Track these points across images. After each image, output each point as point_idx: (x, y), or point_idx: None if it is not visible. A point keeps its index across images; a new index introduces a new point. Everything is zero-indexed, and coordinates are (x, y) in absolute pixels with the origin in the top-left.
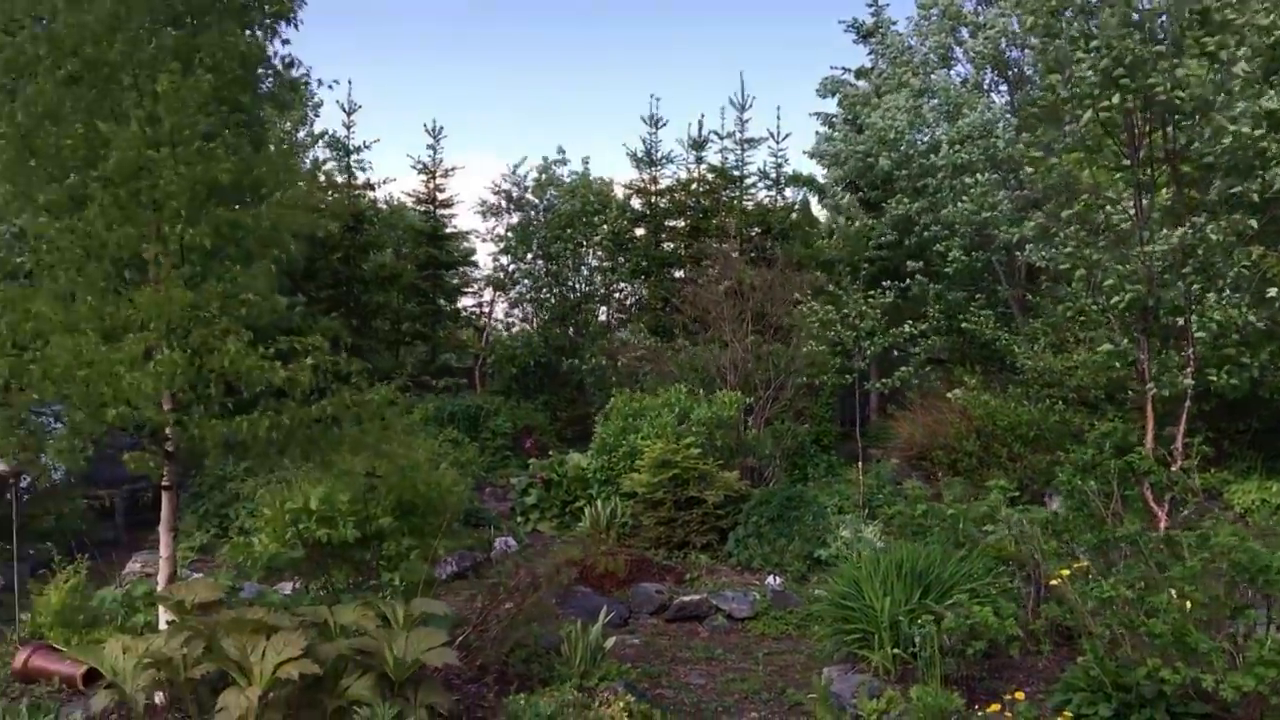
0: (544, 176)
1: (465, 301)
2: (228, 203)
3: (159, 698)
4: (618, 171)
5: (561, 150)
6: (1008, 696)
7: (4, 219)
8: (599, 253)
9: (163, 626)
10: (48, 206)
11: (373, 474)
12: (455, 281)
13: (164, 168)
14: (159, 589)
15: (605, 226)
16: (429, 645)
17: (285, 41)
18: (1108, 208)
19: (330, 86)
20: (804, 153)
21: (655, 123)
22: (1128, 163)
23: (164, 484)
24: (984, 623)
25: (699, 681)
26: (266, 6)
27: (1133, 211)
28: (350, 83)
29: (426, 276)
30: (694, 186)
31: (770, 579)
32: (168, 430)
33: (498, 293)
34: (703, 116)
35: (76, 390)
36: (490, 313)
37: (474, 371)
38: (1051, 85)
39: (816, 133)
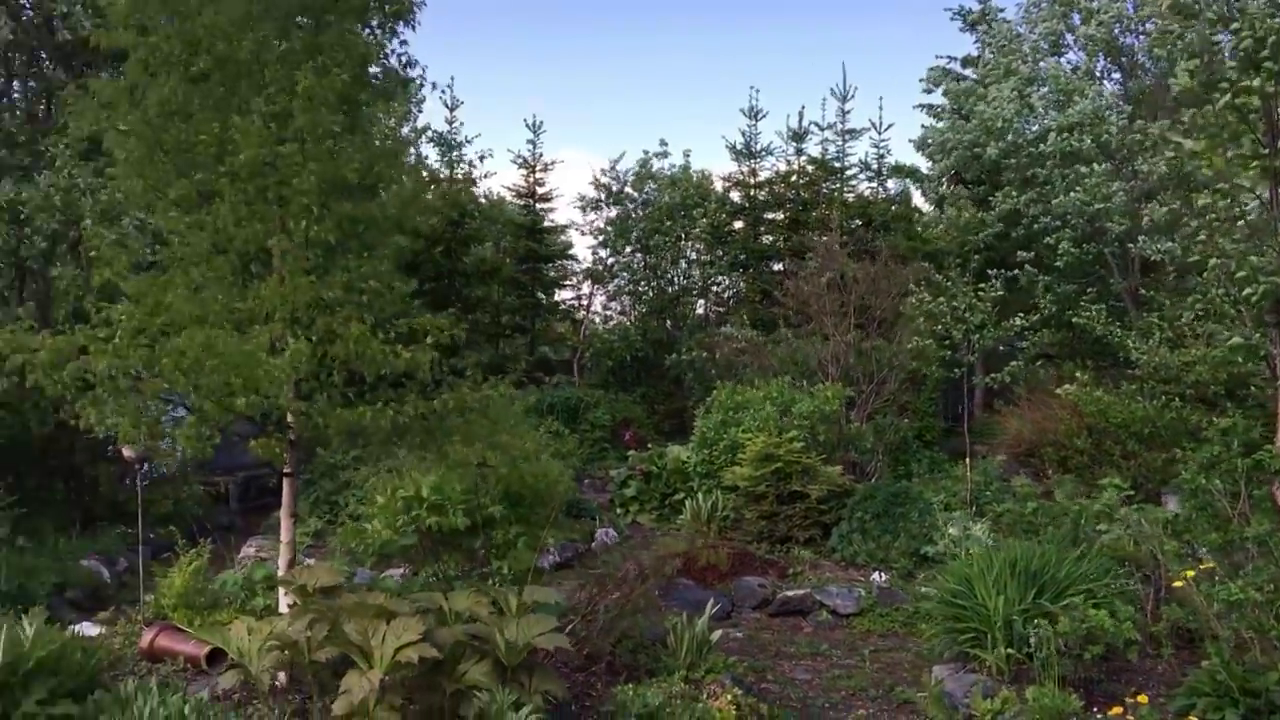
0: (643, 170)
1: (563, 295)
2: (350, 198)
3: (280, 678)
4: (716, 164)
5: (664, 143)
6: (1129, 700)
7: (128, 213)
8: (697, 246)
9: (283, 609)
10: (177, 201)
11: (485, 464)
12: (553, 275)
13: (292, 165)
14: (280, 573)
15: (704, 220)
16: (539, 631)
17: (403, 42)
18: (1241, 196)
19: (443, 90)
20: (909, 142)
21: (754, 115)
22: (1265, 151)
23: (285, 471)
24: (1101, 626)
25: (804, 677)
26: (387, 7)
27: (1268, 201)
28: (452, 79)
29: (526, 270)
30: (793, 178)
31: (875, 575)
32: (290, 419)
33: (596, 286)
34: (803, 108)
35: (206, 380)
36: (588, 306)
37: (571, 364)
38: (1190, 70)
39: (922, 126)
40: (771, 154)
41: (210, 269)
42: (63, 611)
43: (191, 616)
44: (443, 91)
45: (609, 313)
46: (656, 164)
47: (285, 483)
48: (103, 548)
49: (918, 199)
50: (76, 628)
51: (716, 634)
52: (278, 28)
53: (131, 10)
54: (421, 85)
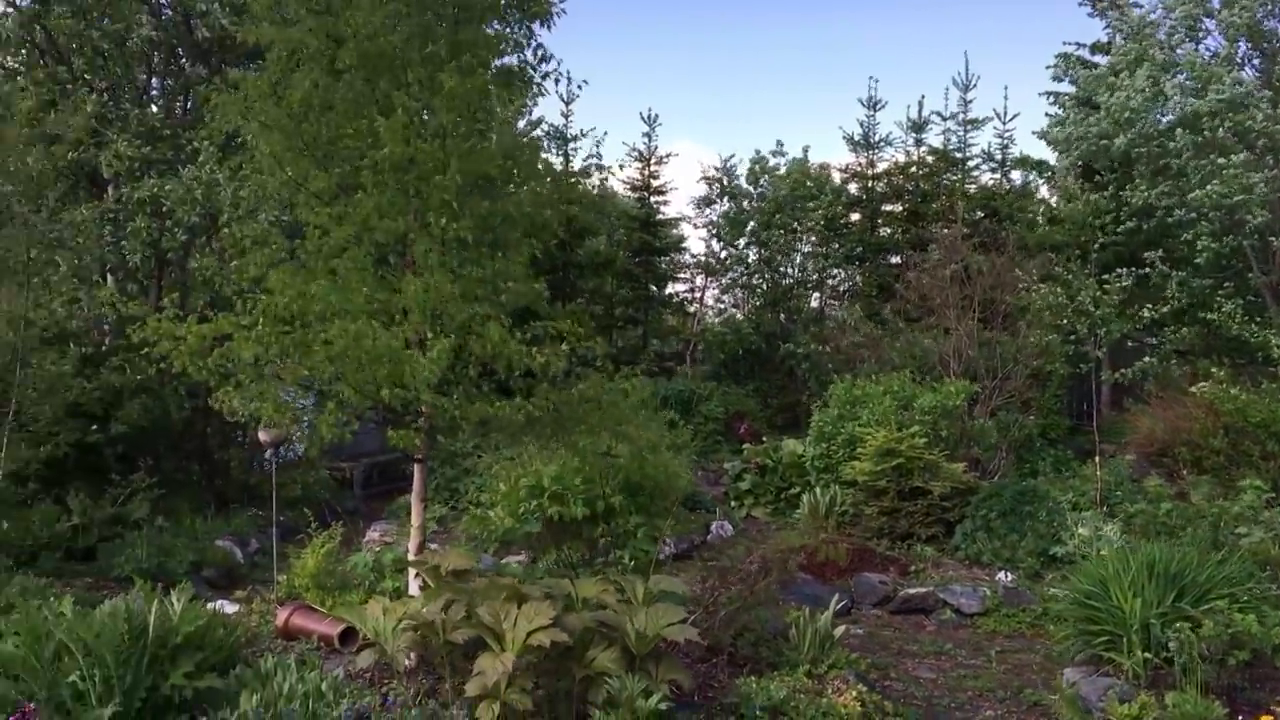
0: (757, 166)
1: (676, 287)
2: (487, 195)
3: (411, 658)
4: (831, 156)
5: (779, 143)
6: (1275, 707)
7: (265, 208)
8: (812, 238)
9: (413, 592)
10: (317, 194)
11: (610, 454)
12: (666, 268)
13: (434, 162)
14: (410, 556)
15: (819, 212)
16: (668, 621)
17: (539, 44)
18: None
19: (558, 80)
20: (1033, 134)
21: (873, 105)
22: None
23: (416, 458)
24: (1247, 631)
25: (928, 676)
26: (527, 6)
27: None
28: (569, 73)
29: (639, 262)
30: (913, 169)
31: (1001, 575)
32: (423, 408)
33: (709, 279)
34: (923, 98)
35: (353, 372)
36: (701, 298)
37: (684, 356)
38: None
39: (1047, 114)
40: (890, 145)
41: (350, 261)
42: (199, 589)
43: (323, 597)
44: (557, 81)
45: (721, 305)
46: (772, 160)
47: (416, 469)
48: (235, 529)
49: (1043, 191)
50: (215, 605)
51: (841, 630)
52: (421, 24)
53: (272, 5)
54: (558, 80)
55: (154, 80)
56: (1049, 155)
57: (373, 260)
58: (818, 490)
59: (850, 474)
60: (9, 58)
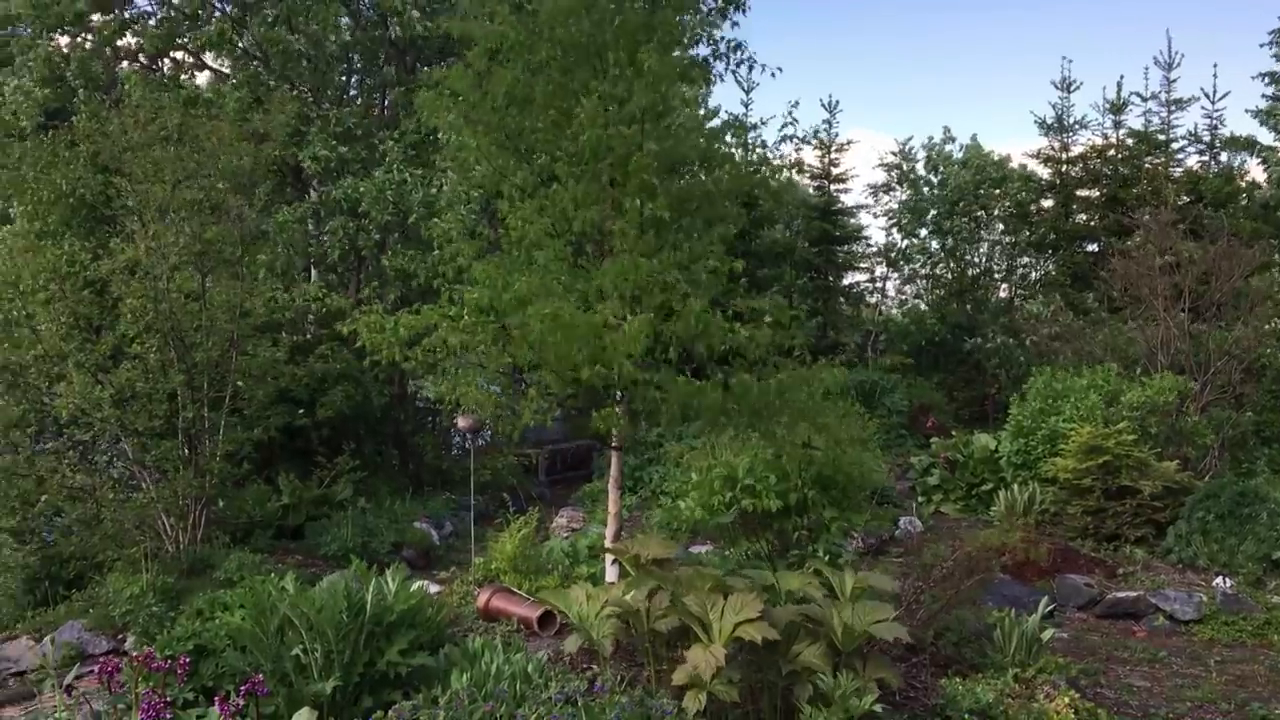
0: (934, 153)
1: (856, 277)
2: (682, 176)
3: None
4: (1016, 141)
5: (946, 129)
6: None
7: (457, 204)
8: (999, 226)
9: (609, 578)
10: (520, 185)
11: (810, 446)
12: (846, 256)
13: (631, 144)
14: (607, 542)
15: (1006, 199)
16: (876, 618)
17: (735, 25)
18: None
19: (775, 74)
20: (1246, 112)
21: (1066, 87)
22: None
23: (614, 445)
24: None
25: (1141, 684)
26: None
27: None
28: (751, 59)
29: (818, 252)
30: (1111, 153)
31: (1219, 580)
32: (620, 396)
33: (890, 269)
34: (1121, 78)
35: (552, 352)
36: (882, 289)
37: (864, 348)
38: None
39: (1263, 96)
40: (1085, 127)
41: (550, 250)
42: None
43: (519, 580)
44: (750, 69)
45: (903, 296)
46: (946, 147)
47: (614, 456)
48: (431, 511)
49: (1256, 173)
50: (419, 585)
51: (1049, 633)
52: (615, 8)
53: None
54: (752, 68)
55: (351, 80)
56: (1266, 136)
57: (570, 250)
58: (1015, 487)
59: (1051, 471)
60: (216, 60)
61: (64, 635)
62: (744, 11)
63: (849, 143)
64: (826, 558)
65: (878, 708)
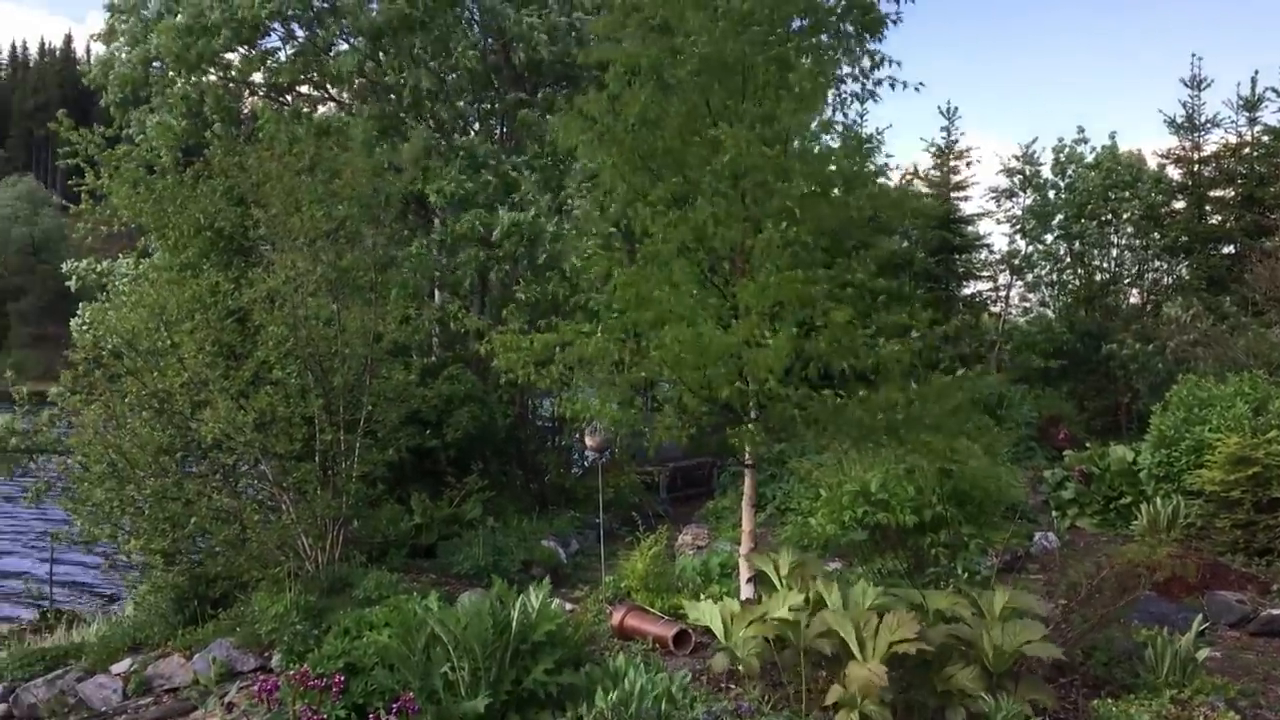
0: (1062, 155)
1: (978, 286)
2: (826, 200)
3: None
4: (1139, 142)
5: (1080, 130)
6: None
7: (600, 220)
8: (1128, 229)
9: (744, 595)
10: (655, 203)
11: (951, 459)
12: (967, 265)
13: (772, 167)
14: (741, 559)
15: (1135, 201)
16: (1028, 637)
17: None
18: None
19: (918, 88)
20: None
21: (1197, 84)
22: None
23: (747, 462)
24: None
25: None
26: (864, 16)
27: None
28: (876, 64)
29: (938, 261)
30: (1246, 151)
31: None
32: (753, 414)
33: (1013, 276)
34: (1256, 74)
35: (688, 371)
36: (1006, 297)
37: (988, 358)
38: None
39: None
40: (1218, 125)
41: (683, 268)
42: (530, 588)
43: (650, 598)
44: (893, 86)
45: (1027, 304)
46: (1077, 148)
47: (747, 474)
48: (557, 529)
49: None
50: (557, 603)
51: (1205, 653)
52: (764, 32)
53: (613, 26)
54: (893, 86)
55: (474, 107)
56: None
57: (706, 267)
58: (1158, 500)
59: (1196, 483)
60: (343, 94)
61: (214, 653)
62: (880, 40)
63: (968, 149)
64: (965, 575)
65: None
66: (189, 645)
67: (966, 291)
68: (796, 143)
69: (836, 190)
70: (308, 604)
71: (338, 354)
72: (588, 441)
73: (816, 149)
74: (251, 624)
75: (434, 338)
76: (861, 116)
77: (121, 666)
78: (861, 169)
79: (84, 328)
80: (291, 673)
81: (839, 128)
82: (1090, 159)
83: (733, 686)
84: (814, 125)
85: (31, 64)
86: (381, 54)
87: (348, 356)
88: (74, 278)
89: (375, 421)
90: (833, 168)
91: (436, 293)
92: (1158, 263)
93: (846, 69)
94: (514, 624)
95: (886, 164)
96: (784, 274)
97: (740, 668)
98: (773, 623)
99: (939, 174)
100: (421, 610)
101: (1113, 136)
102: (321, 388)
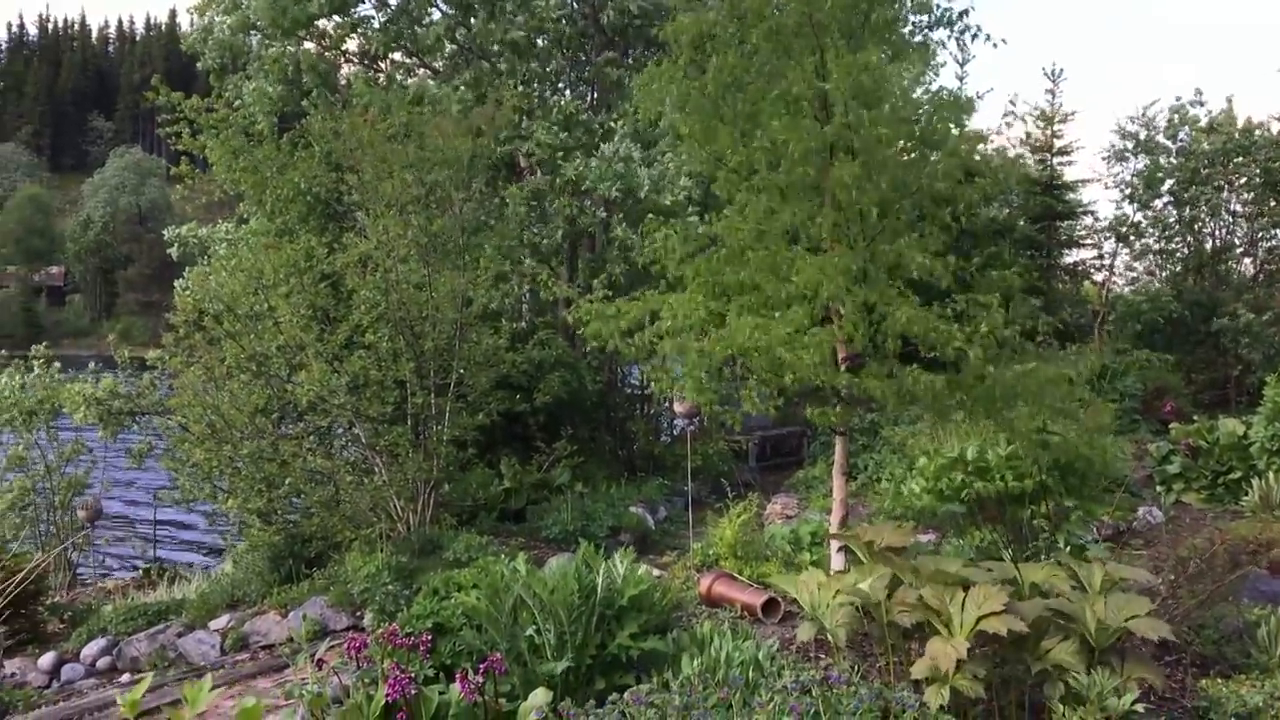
0: (1176, 117)
1: (1082, 254)
2: (899, 165)
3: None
4: (1262, 108)
5: (1198, 92)
6: None
7: (674, 184)
8: (1245, 196)
9: (835, 566)
10: (735, 169)
11: (1045, 431)
12: (1069, 233)
13: (845, 135)
14: (832, 529)
15: (1253, 166)
16: (1133, 613)
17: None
18: None
19: (998, 44)
20: None
21: None
22: None
23: (839, 430)
24: None
25: None
26: None
27: None
28: (966, 30)
29: (1040, 229)
30: None
31: None
32: (842, 383)
33: (1120, 244)
34: None
35: (755, 358)
36: (1110, 265)
37: (1091, 328)
38: None
39: None
40: None
41: (768, 240)
42: (617, 553)
43: (739, 566)
44: (974, 38)
45: (1133, 272)
46: (1192, 110)
47: (839, 442)
48: (645, 496)
49: None
50: (645, 569)
51: None
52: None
53: None
54: (975, 36)
55: (566, 72)
56: None
57: (786, 240)
58: (1270, 475)
59: None
60: (435, 62)
61: (307, 610)
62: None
63: (1072, 113)
64: (1067, 549)
65: (1139, 708)
66: (284, 603)
67: (1069, 260)
68: (884, 104)
69: (928, 151)
70: (399, 565)
71: (428, 318)
72: (677, 408)
73: (905, 107)
74: (344, 584)
75: (524, 303)
76: (961, 80)
77: (220, 622)
78: (957, 126)
79: (186, 291)
80: (380, 631)
81: (931, 87)
82: (1204, 122)
83: (821, 656)
84: (905, 83)
85: (138, 38)
86: (472, 19)
87: (438, 321)
88: (175, 244)
89: (466, 385)
90: (923, 125)
91: (526, 260)
92: (1275, 230)
93: (924, 17)
94: (600, 588)
95: (986, 130)
96: (839, 256)
97: (829, 637)
98: (858, 594)
99: (1041, 138)
100: (509, 572)
101: (1229, 100)
102: (413, 351)
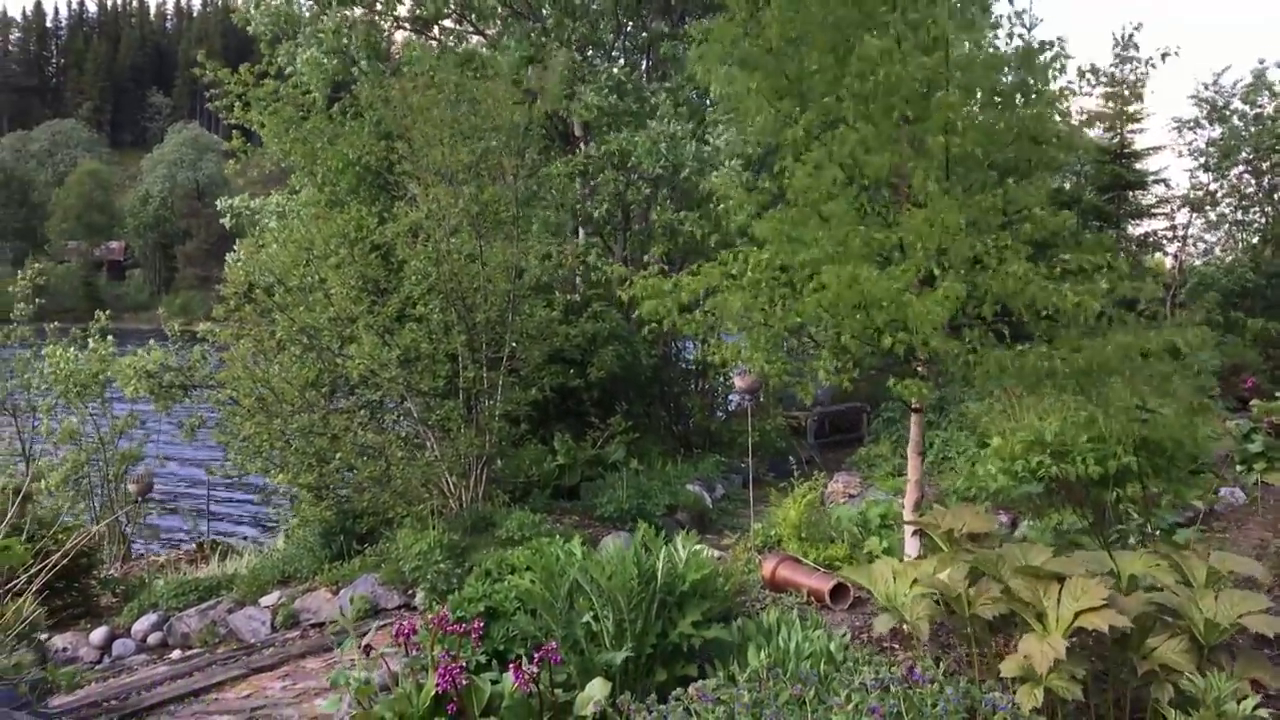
0: (1256, 82)
1: (1153, 224)
2: (987, 111)
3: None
4: None
5: (1261, 60)
6: None
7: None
8: None
9: (909, 552)
10: (805, 129)
11: (1144, 408)
12: (1139, 203)
13: (930, 76)
14: (906, 513)
15: None
16: (1247, 609)
17: None
18: None
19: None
20: None
21: None
22: None
23: (914, 406)
24: None
25: None
26: None
27: None
28: None
29: (1110, 199)
30: None
31: None
32: (920, 355)
33: (1194, 214)
34: None
35: (847, 317)
36: (1184, 236)
37: (1165, 301)
38: None
39: None
40: None
41: (841, 201)
42: (674, 533)
43: (803, 548)
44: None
45: (1205, 243)
46: (1268, 75)
47: (914, 419)
48: (702, 473)
49: None
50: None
51: None
52: None
53: None
54: None
55: (618, 39)
56: None
57: (866, 199)
58: None
59: None
60: (488, 29)
61: (359, 589)
62: None
63: (1145, 76)
64: (1156, 534)
65: (1264, 713)
66: (335, 580)
67: (1139, 230)
68: (957, 51)
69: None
70: (451, 542)
71: (480, 290)
72: (737, 383)
73: (980, 56)
74: (396, 561)
75: (577, 275)
76: (1030, 29)
77: (270, 599)
78: (1038, 81)
79: (237, 263)
80: (431, 616)
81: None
82: None
83: (895, 648)
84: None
85: (194, 14)
86: None
87: (490, 292)
88: (228, 215)
89: (518, 359)
90: (1001, 78)
91: (580, 231)
92: None
93: None
94: (660, 573)
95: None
96: (944, 208)
97: (906, 629)
98: (937, 584)
99: (1111, 106)
100: (564, 555)
101: None
102: (464, 324)
